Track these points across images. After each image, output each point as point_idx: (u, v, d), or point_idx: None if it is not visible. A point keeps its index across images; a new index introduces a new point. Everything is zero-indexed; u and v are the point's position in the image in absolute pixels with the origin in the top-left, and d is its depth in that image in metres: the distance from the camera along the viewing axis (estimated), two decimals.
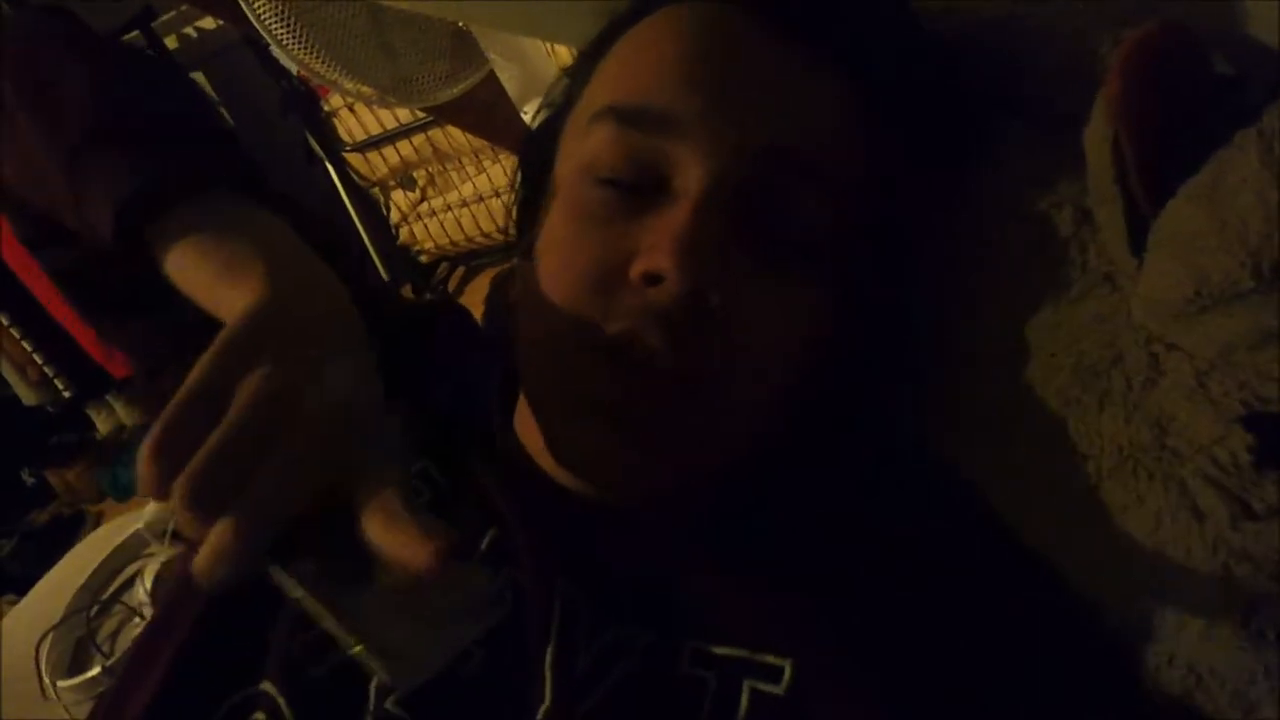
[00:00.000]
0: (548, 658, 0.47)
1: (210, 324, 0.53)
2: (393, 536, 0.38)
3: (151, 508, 1.46)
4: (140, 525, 1.48)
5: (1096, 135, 0.43)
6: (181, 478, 0.37)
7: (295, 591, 0.38)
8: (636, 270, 0.49)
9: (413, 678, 0.38)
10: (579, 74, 0.60)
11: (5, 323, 2.49)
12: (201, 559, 0.37)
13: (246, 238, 0.49)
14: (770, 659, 0.46)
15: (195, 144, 0.56)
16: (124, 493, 2.68)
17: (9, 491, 2.81)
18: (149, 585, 1.33)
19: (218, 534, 0.37)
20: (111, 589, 1.43)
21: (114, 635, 1.35)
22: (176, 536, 1.39)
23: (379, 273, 2.83)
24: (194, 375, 0.39)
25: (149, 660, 0.54)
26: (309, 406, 0.40)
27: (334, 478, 0.40)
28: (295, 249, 0.50)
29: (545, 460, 0.56)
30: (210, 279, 0.47)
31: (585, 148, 0.53)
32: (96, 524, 2.64)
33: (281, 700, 0.49)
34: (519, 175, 0.66)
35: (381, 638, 0.37)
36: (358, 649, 0.37)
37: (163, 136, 0.55)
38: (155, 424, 0.38)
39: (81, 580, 1.44)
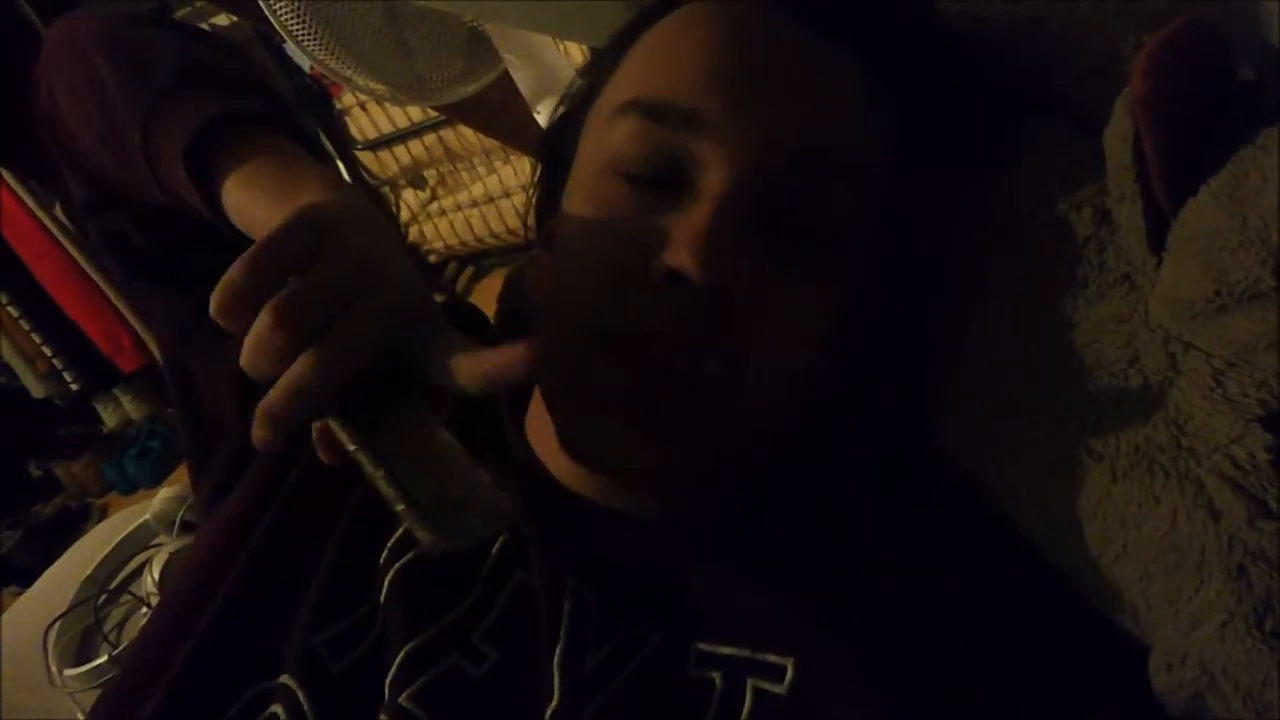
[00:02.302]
0: (556, 656, 0.48)
1: None
2: (486, 358, 0.41)
3: (160, 498, 1.46)
4: (148, 516, 1.48)
5: (1117, 134, 0.43)
6: (277, 299, 0.39)
7: (350, 444, 0.41)
8: (658, 269, 0.49)
9: (452, 543, 0.41)
10: (602, 68, 0.60)
11: (15, 315, 2.50)
12: (276, 394, 0.39)
13: (311, 170, 0.53)
14: (773, 658, 0.46)
15: (259, 96, 0.61)
16: (129, 486, 2.69)
17: (15, 483, 2.82)
18: (157, 575, 1.33)
19: (299, 366, 0.39)
20: (119, 578, 1.44)
21: (121, 624, 1.36)
22: (185, 527, 1.40)
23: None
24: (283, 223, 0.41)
25: (163, 649, 0.54)
26: (390, 271, 0.43)
27: (400, 338, 0.43)
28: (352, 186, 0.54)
29: (555, 463, 0.56)
30: (273, 199, 0.51)
31: (608, 141, 0.53)
32: (101, 517, 2.65)
33: (301, 694, 0.49)
34: (538, 168, 0.66)
35: (428, 502, 0.40)
36: (401, 507, 0.40)
37: (235, 87, 0.60)
38: (245, 255, 0.40)
39: (88, 570, 1.45)
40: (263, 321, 0.39)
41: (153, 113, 0.57)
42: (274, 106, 0.61)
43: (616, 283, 0.50)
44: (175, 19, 0.75)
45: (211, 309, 0.39)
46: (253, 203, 0.53)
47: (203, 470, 0.67)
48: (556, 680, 0.47)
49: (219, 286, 0.39)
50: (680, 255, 0.48)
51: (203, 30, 0.72)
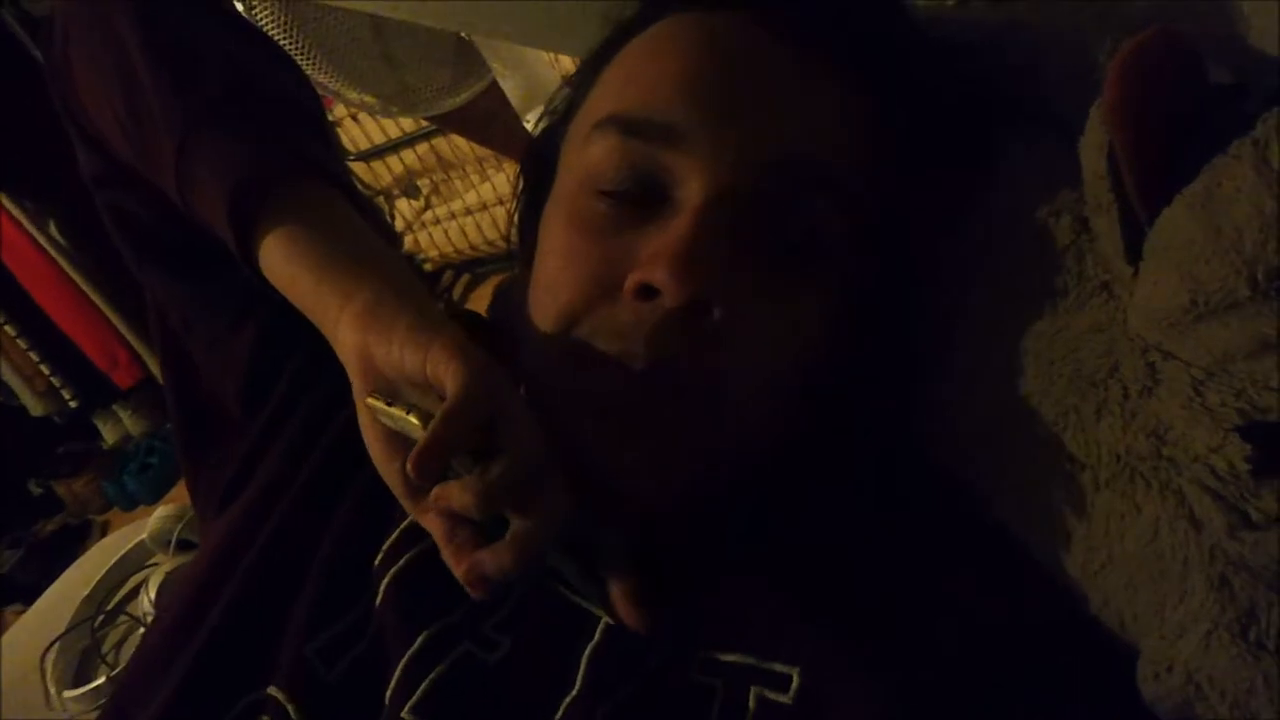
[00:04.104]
0: (587, 650, 0.48)
1: (242, 297, 0.55)
2: None
3: (156, 517, 1.46)
4: (144, 536, 1.48)
5: (1092, 143, 0.43)
6: (490, 491, 0.43)
7: (569, 567, 0.49)
8: (630, 283, 0.49)
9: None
10: (581, 82, 0.60)
11: (12, 333, 2.49)
12: (506, 561, 0.44)
13: (358, 251, 0.55)
14: (778, 667, 0.46)
15: (305, 127, 0.61)
16: (130, 502, 2.68)
17: (16, 502, 2.81)
18: (153, 594, 1.33)
19: (526, 530, 0.44)
20: (116, 599, 1.44)
21: (119, 645, 1.36)
22: (181, 545, 1.39)
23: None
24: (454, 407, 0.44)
25: (161, 661, 0.54)
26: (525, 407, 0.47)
27: None
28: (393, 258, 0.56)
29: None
30: (318, 278, 0.53)
31: (586, 157, 0.53)
32: (103, 534, 2.64)
33: (290, 706, 0.49)
34: (520, 183, 0.66)
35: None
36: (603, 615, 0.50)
37: (282, 116, 0.60)
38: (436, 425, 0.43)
39: (86, 591, 1.44)
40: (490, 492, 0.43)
41: (191, 132, 0.56)
42: (318, 138, 0.61)
43: (591, 300, 0.51)
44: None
45: (410, 471, 0.43)
46: (296, 274, 0.54)
47: (200, 464, 0.67)
48: (582, 672, 0.47)
49: (414, 455, 0.42)
50: (653, 270, 0.48)
51: (238, 15, 0.70)
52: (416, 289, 0.52)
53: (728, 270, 0.48)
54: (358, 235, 0.56)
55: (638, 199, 0.51)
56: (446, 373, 0.44)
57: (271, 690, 0.50)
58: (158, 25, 0.61)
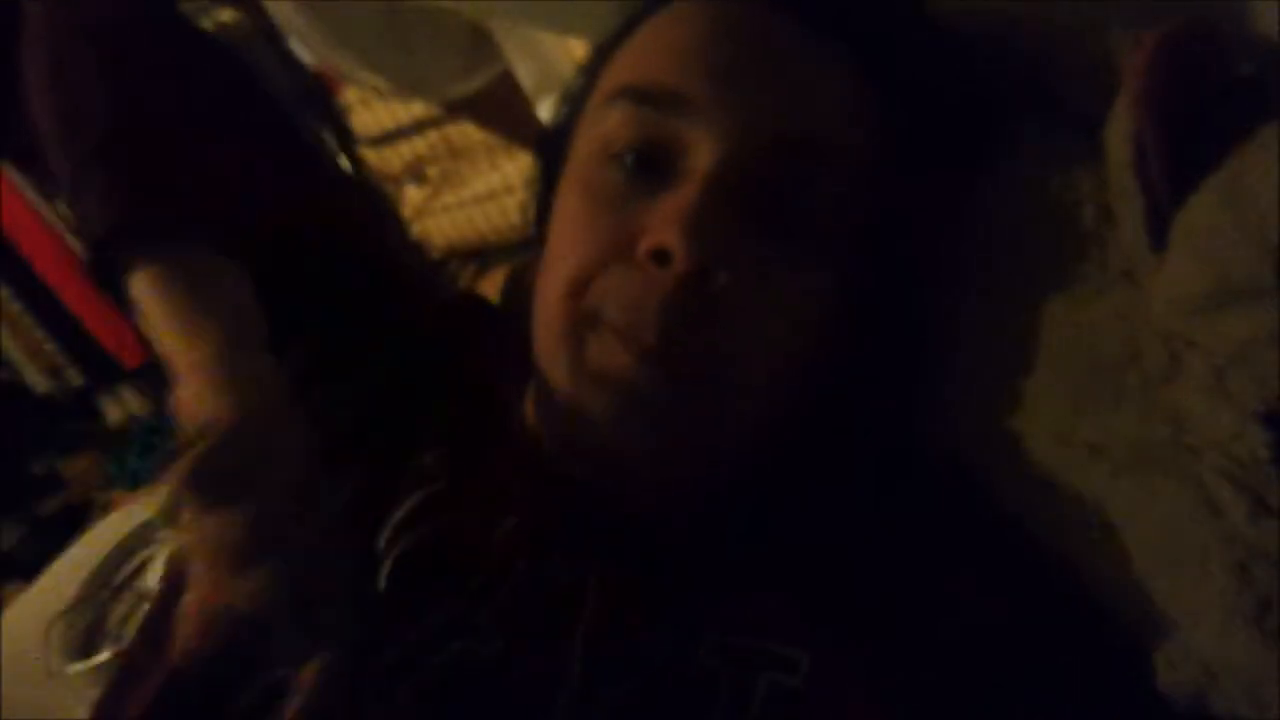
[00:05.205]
0: (580, 638, 0.48)
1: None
2: None
3: (163, 494, 1.46)
4: (149, 514, 1.48)
5: (1119, 131, 0.43)
6: None
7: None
8: (644, 247, 0.49)
9: None
10: (596, 66, 0.60)
11: (17, 310, 2.50)
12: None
13: (200, 318, 0.55)
14: (786, 650, 0.47)
15: (204, 178, 0.59)
16: (133, 481, 2.68)
17: (19, 480, 2.81)
18: (158, 572, 1.33)
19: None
20: (123, 575, 1.43)
21: (125, 620, 1.35)
22: None
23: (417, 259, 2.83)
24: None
25: (159, 646, 0.54)
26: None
27: None
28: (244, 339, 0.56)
29: (560, 449, 0.56)
30: (173, 333, 0.54)
31: (599, 128, 0.54)
32: (105, 512, 2.64)
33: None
34: (537, 167, 0.66)
35: None
36: None
37: (172, 160, 0.59)
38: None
39: (92, 566, 1.44)
40: None
41: (76, 179, 0.57)
42: (196, 190, 0.59)
43: (602, 266, 0.51)
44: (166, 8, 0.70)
45: None
46: (155, 321, 0.55)
47: None
48: (579, 660, 0.47)
49: None
50: (665, 234, 0.48)
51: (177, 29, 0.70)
52: (235, 356, 0.53)
53: (733, 238, 0.49)
54: (190, 299, 0.56)
55: (648, 169, 0.52)
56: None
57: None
58: (64, 63, 0.61)
